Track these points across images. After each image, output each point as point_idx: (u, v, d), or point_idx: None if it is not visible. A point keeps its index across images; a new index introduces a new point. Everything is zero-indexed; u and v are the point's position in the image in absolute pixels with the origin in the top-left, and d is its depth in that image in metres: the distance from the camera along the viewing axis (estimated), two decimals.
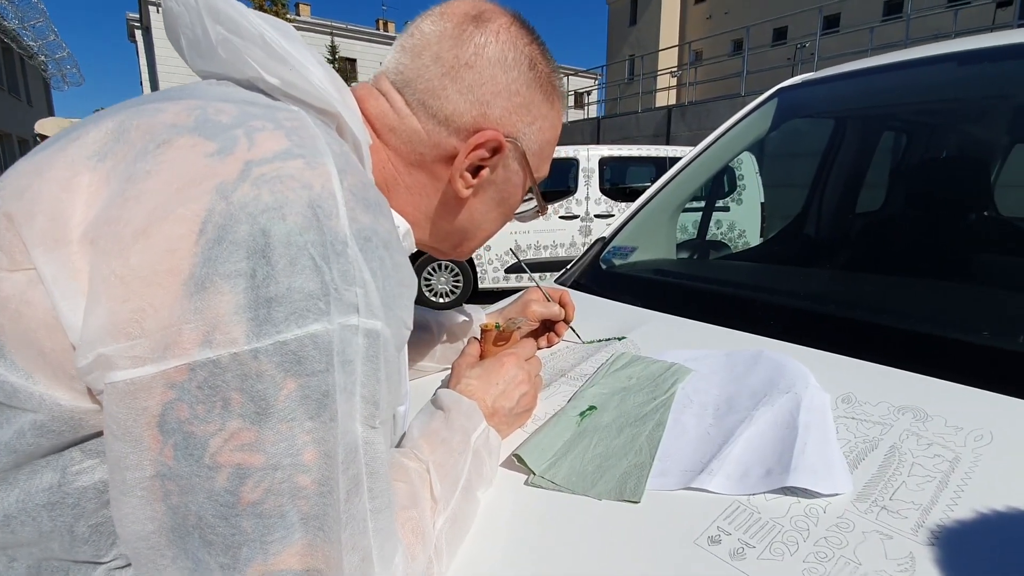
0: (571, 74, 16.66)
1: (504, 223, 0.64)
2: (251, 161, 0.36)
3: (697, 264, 1.56)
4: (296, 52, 0.45)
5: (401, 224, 0.56)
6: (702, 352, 0.77)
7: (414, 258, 5.61)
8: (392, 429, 0.59)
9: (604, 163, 5.97)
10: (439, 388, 0.64)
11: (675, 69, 13.57)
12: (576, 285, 1.25)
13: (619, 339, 0.86)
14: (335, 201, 0.36)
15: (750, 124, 1.60)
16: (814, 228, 1.78)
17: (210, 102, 0.40)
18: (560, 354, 0.86)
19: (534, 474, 0.56)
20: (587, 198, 5.85)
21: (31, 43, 21.82)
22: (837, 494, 0.48)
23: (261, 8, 18.08)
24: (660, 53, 17.47)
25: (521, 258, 5.89)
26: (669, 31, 25.73)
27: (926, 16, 9.82)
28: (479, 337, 0.75)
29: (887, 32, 10.96)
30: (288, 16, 18.51)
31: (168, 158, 0.36)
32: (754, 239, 4.55)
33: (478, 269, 5.79)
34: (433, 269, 5.74)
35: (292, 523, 0.34)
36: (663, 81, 14.80)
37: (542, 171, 0.62)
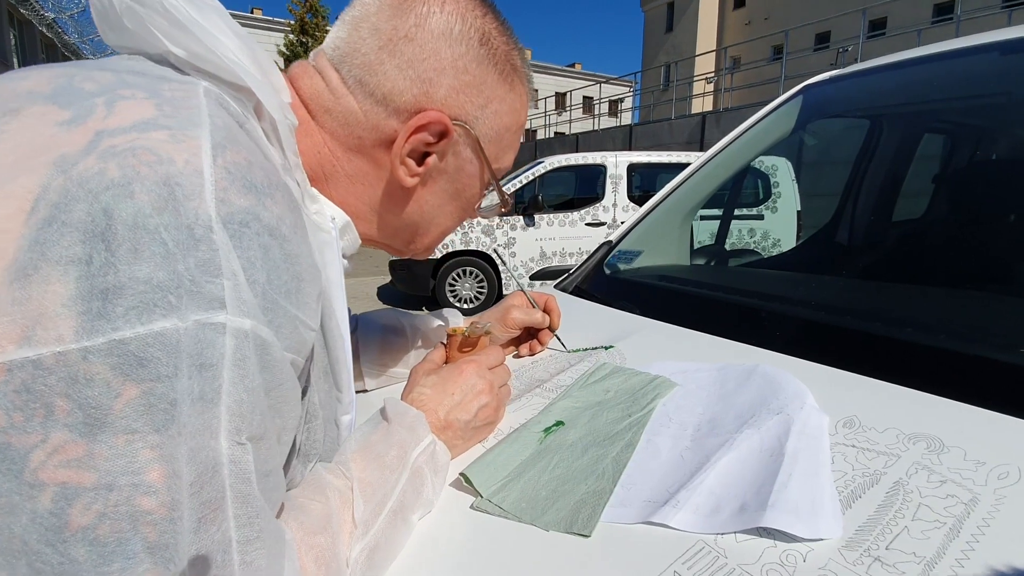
0: (603, 82, 16.48)
1: (462, 218, 0.59)
2: (103, 131, 0.31)
3: (705, 271, 1.46)
4: (205, 20, 0.41)
5: (339, 216, 0.51)
6: (693, 365, 0.69)
7: (439, 263, 5.61)
8: (337, 440, 0.54)
9: (633, 169, 5.87)
10: (389, 396, 0.58)
11: (711, 75, 13.32)
12: (578, 291, 1.18)
13: (606, 348, 0.79)
14: (200, 179, 0.31)
15: (772, 124, 1.51)
16: (841, 235, 1.66)
17: (84, 70, 0.36)
18: (541, 363, 0.79)
19: (481, 496, 0.50)
20: (614, 205, 5.75)
21: (90, 56, 23.03)
22: (822, 539, 0.40)
23: (302, 22, 18.45)
24: (696, 59, 17.19)
25: (549, 265, 5.83)
26: (706, 38, 25.36)
27: (978, 18, 9.36)
28: (445, 342, 0.69)
29: (936, 35, 10.50)
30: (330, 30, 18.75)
31: (13, 128, 0.31)
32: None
33: (503, 275, 5.75)
34: (458, 275, 5.72)
35: (135, 552, 0.29)
36: (699, 87, 14.54)
37: (503, 161, 0.56)
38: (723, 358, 0.71)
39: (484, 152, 0.53)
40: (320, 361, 0.52)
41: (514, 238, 5.73)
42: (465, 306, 5.75)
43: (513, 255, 5.75)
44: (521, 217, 5.72)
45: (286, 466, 0.45)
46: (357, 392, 0.81)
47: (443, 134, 0.50)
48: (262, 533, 0.33)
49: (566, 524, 0.46)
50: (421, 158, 0.51)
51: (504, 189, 0.58)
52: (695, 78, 13.85)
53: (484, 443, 0.60)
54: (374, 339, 0.80)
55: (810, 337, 0.74)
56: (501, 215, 0.61)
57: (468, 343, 0.66)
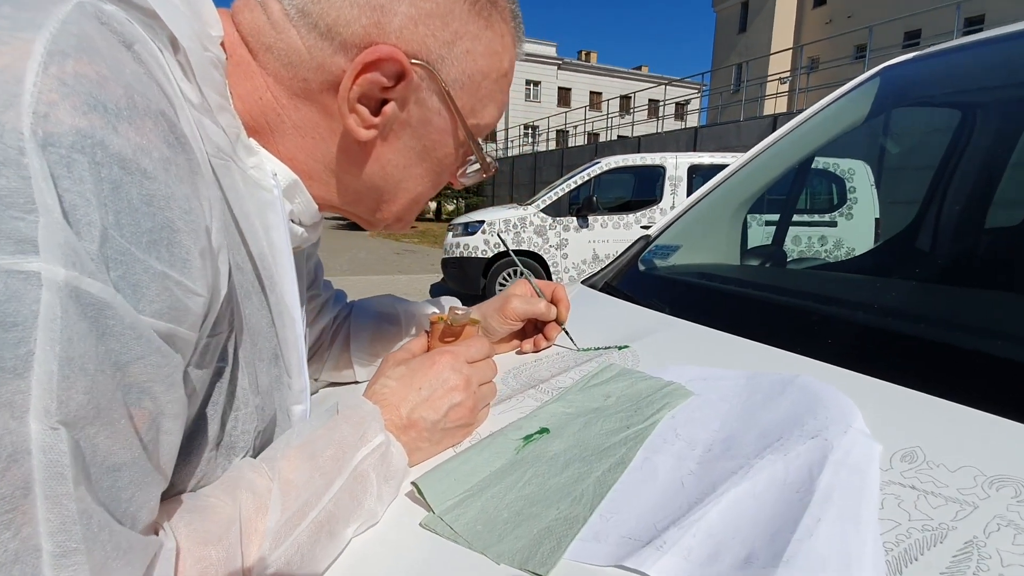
0: (668, 84, 15.91)
1: (437, 183, 0.51)
2: None
3: (751, 269, 1.32)
4: None
5: (282, 174, 0.44)
6: (717, 371, 0.58)
7: (490, 263, 5.57)
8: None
9: (694, 171, 5.62)
10: (348, 387, 0.51)
11: (786, 74, 12.63)
12: (607, 287, 1.08)
13: (619, 348, 0.69)
14: (18, 88, 0.25)
15: (841, 111, 1.34)
16: (922, 240, 1.46)
17: None
18: (545, 361, 0.70)
19: (432, 513, 0.42)
20: (673, 208, 5.52)
21: None
22: None
23: None
24: (771, 59, 16.40)
25: (601, 267, 5.67)
26: (782, 37, 24.24)
27: None
28: (428, 330, 0.61)
29: None
30: None
31: None
32: None
33: (553, 277, 5.65)
34: (509, 275, 5.67)
35: None
36: (772, 89, 13.85)
37: (481, 116, 0.48)
38: (757, 366, 0.59)
39: (454, 101, 0.44)
40: (267, 341, 0.46)
41: (566, 239, 5.61)
42: None
43: (565, 256, 5.64)
44: (575, 218, 5.60)
45: (195, 459, 0.38)
46: (349, 383, 0.75)
47: (401, 76, 0.42)
48: (86, 544, 0.26)
49: (522, 558, 0.36)
50: (378, 106, 0.43)
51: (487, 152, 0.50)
52: (768, 78, 13.19)
53: (456, 448, 0.51)
54: (367, 326, 0.74)
55: (870, 345, 0.61)
56: (483, 181, 0.52)
57: (451, 332, 0.58)
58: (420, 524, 0.42)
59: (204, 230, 0.32)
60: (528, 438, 0.49)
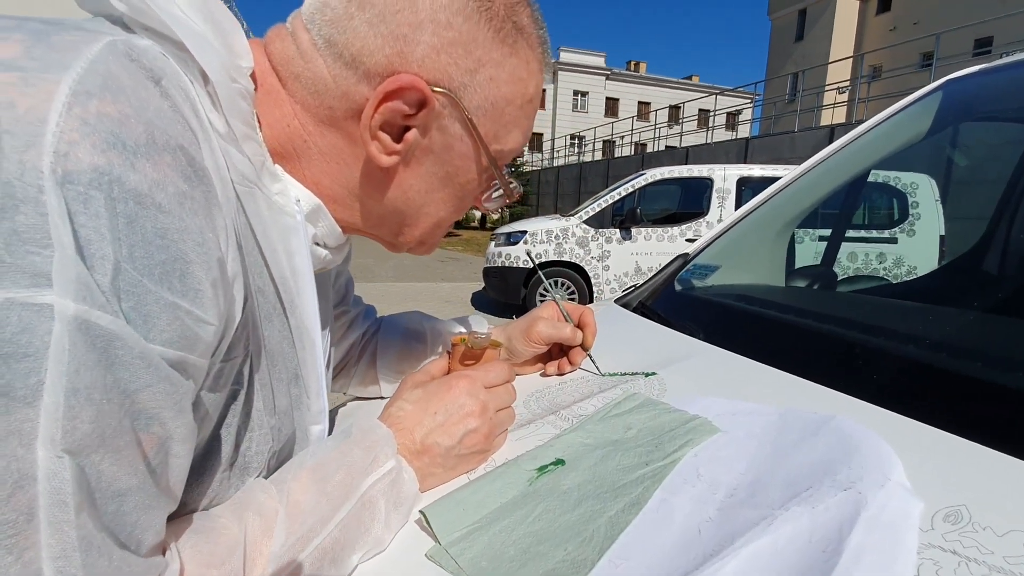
0: (719, 93, 15.51)
1: (460, 208, 0.50)
2: None
3: (796, 293, 1.26)
4: None
5: (305, 199, 0.45)
6: (748, 406, 0.55)
7: (531, 273, 5.56)
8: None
9: (744, 184, 5.46)
10: (366, 408, 0.51)
11: (845, 84, 12.13)
12: (641, 308, 1.06)
13: (646, 375, 0.67)
14: (41, 128, 0.26)
15: (900, 126, 1.28)
16: (989, 263, 1.37)
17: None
18: (569, 386, 0.69)
19: (439, 544, 0.41)
20: (720, 221, 5.38)
21: None
22: None
23: None
24: (829, 67, 15.83)
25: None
26: (842, 46, 23.37)
27: None
28: (451, 351, 0.61)
29: None
30: None
31: None
32: None
33: (595, 288, 5.59)
34: (548, 287, 5.65)
35: None
36: (829, 98, 13.35)
37: (505, 142, 0.47)
38: (793, 402, 0.56)
39: (476, 128, 0.44)
40: (287, 363, 0.47)
41: (608, 251, 5.55)
42: None
43: (607, 268, 5.57)
44: (617, 230, 5.54)
45: (207, 479, 0.39)
46: (374, 398, 0.75)
47: (422, 103, 0.42)
48: (85, 570, 0.26)
49: None
50: (400, 133, 0.43)
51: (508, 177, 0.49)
52: (826, 87, 12.72)
53: (470, 475, 0.51)
54: (394, 342, 0.74)
55: (917, 384, 0.57)
56: (508, 207, 0.52)
57: (471, 355, 0.58)
58: (426, 555, 0.41)
59: (217, 261, 0.32)
60: (543, 469, 0.48)
